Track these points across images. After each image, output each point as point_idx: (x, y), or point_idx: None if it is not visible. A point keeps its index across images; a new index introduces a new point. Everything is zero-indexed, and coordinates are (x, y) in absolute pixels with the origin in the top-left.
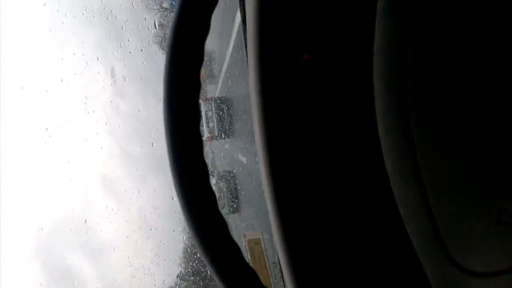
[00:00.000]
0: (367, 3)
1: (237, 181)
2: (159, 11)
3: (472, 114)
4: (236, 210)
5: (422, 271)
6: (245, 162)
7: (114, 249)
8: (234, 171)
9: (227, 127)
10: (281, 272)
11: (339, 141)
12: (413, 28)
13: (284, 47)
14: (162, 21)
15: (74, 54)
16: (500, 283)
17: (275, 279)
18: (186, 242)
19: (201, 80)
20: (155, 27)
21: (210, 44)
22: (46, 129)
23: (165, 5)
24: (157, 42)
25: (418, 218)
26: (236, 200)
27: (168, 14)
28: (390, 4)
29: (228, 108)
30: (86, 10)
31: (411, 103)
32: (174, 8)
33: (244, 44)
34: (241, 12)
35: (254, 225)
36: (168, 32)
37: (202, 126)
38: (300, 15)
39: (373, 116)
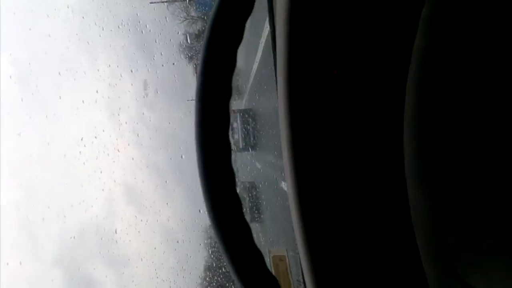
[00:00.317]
0: (401, 17)
1: (259, 192)
2: (186, 19)
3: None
4: (256, 219)
5: (424, 278)
6: (270, 176)
7: (141, 260)
8: (260, 185)
9: (252, 139)
10: None
11: (364, 156)
12: (454, 39)
13: (314, 62)
14: (189, 30)
15: (109, 66)
16: None
17: None
18: (212, 256)
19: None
20: (187, 41)
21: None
22: (82, 138)
23: (193, 13)
24: (188, 56)
25: (429, 226)
26: (257, 210)
27: (195, 23)
28: (436, 12)
29: (254, 121)
30: (122, 24)
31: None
32: (203, 14)
33: (271, 57)
34: (270, 27)
35: (279, 241)
36: (200, 45)
37: None
38: (331, 30)
39: (399, 131)
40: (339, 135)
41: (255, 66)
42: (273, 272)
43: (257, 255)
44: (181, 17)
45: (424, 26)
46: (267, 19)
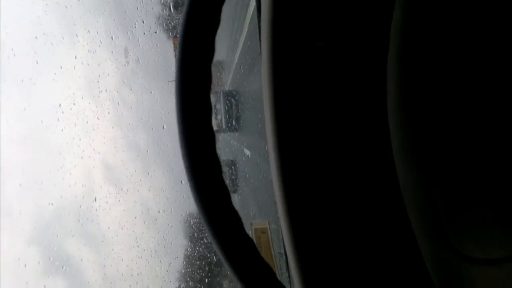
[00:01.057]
0: None
1: (238, 168)
2: None
3: (480, 121)
4: (237, 190)
5: (419, 253)
6: (250, 155)
7: (122, 229)
8: (242, 163)
9: (235, 120)
10: (287, 262)
11: (349, 130)
12: (436, 10)
13: (299, 33)
14: (178, 3)
15: (89, 32)
16: (495, 271)
17: (281, 269)
18: (194, 226)
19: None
20: (171, 9)
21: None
22: (59, 105)
23: None
24: (171, 25)
25: (419, 198)
26: (237, 182)
27: None
28: None
29: (238, 102)
30: None
31: (425, 85)
32: None
33: (256, 37)
34: (256, 1)
35: (261, 214)
36: (181, 18)
37: None
38: (315, 2)
39: (384, 103)
40: (323, 110)
41: (240, 46)
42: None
43: (249, 244)
44: None
45: (401, 1)
46: None
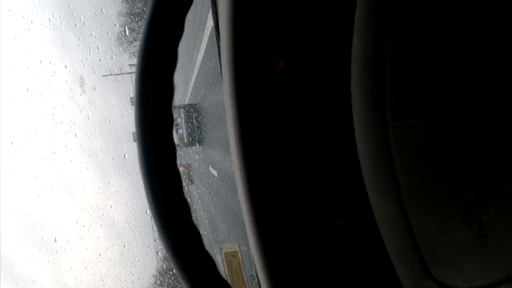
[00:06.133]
0: (344, 10)
1: (194, 168)
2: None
3: (449, 125)
4: (192, 182)
5: (399, 284)
6: (217, 176)
7: (86, 268)
8: (209, 186)
9: (197, 134)
10: (259, 285)
11: (316, 150)
12: (393, 35)
13: (258, 54)
14: (134, 26)
15: (41, 62)
16: None
17: None
18: (161, 258)
19: None
20: (126, 33)
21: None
22: (12, 142)
23: None
24: (128, 49)
25: (396, 229)
26: (193, 178)
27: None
28: (370, 10)
29: (199, 116)
30: (53, 17)
31: (390, 112)
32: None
33: (215, 50)
34: (213, 18)
35: (230, 237)
36: (140, 38)
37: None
38: (275, 22)
39: (351, 125)
40: (290, 134)
41: (199, 59)
42: (226, 269)
43: (208, 261)
44: None
45: (358, 25)
46: (210, 10)
